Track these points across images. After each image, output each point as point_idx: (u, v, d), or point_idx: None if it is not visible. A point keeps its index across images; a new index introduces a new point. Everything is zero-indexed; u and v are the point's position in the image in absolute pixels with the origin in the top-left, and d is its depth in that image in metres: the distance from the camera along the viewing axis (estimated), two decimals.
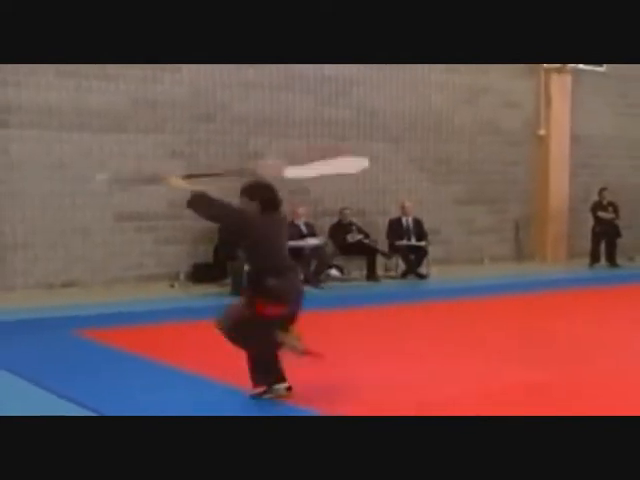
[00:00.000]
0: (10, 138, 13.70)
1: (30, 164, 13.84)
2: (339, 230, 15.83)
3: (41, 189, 13.78)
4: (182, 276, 14.50)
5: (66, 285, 13.77)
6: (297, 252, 14.50)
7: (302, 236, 14.90)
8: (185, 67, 14.82)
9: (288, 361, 6.87)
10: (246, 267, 7.26)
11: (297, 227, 15.04)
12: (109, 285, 13.93)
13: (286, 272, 6.77)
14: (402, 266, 16.22)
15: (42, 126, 13.94)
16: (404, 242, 16.03)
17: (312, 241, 14.81)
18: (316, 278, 14.57)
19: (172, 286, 14.19)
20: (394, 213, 16.59)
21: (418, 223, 16.46)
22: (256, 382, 6.81)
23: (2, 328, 10.43)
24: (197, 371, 7.88)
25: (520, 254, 19.33)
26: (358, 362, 8.41)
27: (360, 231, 15.93)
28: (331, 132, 16.75)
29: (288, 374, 6.84)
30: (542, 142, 19.41)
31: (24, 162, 13.80)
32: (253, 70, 15.51)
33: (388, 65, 16.41)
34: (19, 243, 13.72)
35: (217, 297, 13.27)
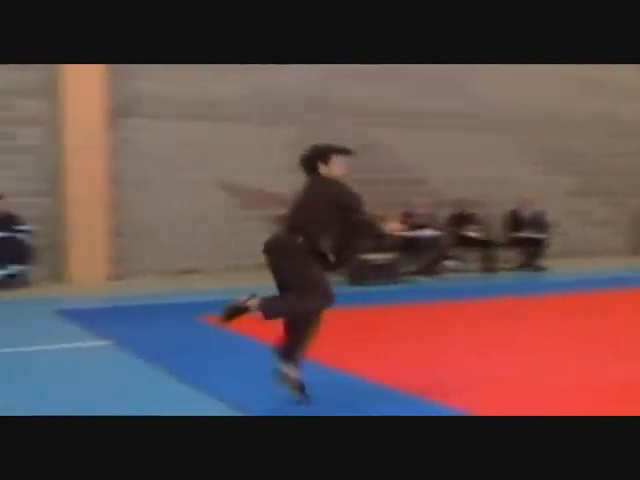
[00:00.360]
0: (139, 128, 14.20)
1: (157, 153, 14.33)
2: (456, 221, 15.87)
3: (167, 177, 14.24)
4: None
5: (189, 272, 14.21)
6: (414, 242, 14.67)
7: (419, 226, 15.01)
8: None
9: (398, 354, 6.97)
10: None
11: (415, 217, 15.16)
12: (231, 272, 14.32)
13: None
14: (520, 258, 16.15)
15: (168, 116, 14.40)
16: (523, 234, 15.94)
17: (429, 232, 14.90)
18: (432, 269, 14.68)
19: None
20: (512, 205, 16.51)
21: (538, 215, 16.33)
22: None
23: (129, 312, 10.89)
24: (316, 358, 8.02)
25: (638, 247, 18.96)
26: (469, 354, 8.49)
27: (477, 222, 15.93)
28: (451, 123, 16.77)
29: (400, 367, 6.93)
30: None
31: (151, 151, 14.30)
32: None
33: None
34: (144, 231, 14.23)
35: (335, 286, 13.49)
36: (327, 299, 6.48)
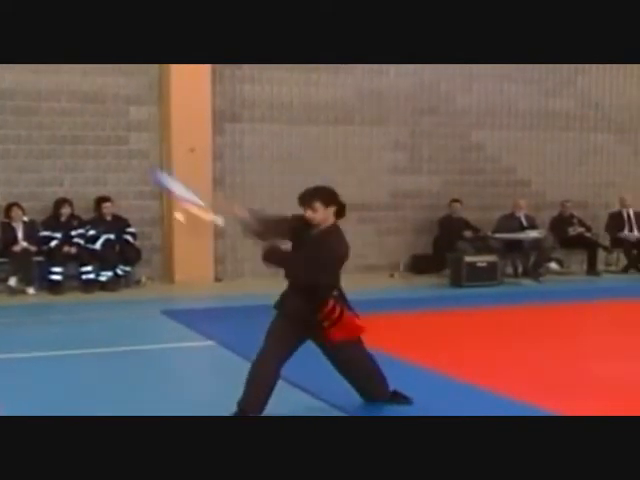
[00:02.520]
0: (244, 131, 14.47)
1: (261, 156, 14.58)
2: (560, 223, 15.70)
3: (270, 180, 14.46)
4: (402, 266, 14.79)
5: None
6: (517, 244, 14.59)
7: (522, 228, 14.91)
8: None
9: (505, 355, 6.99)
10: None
11: (517, 219, 15.08)
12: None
13: None
14: (624, 260, 15.90)
15: (272, 120, 14.64)
16: (625, 234, 15.68)
17: (532, 234, 14.78)
18: (535, 271, 14.57)
19: (392, 276, 14.56)
20: (617, 206, 16.24)
21: None
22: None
23: (233, 313, 11.12)
24: (415, 361, 8.10)
25: None
26: (574, 358, 8.45)
27: (581, 224, 15.74)
28: (555, 123, 16.61)
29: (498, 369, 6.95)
30: None
31: (255, 154, 14.55)
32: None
33: None
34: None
35: (436, 288, 13.55)
36: None
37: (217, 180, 14.21)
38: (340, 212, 6.26)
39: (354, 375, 6.41)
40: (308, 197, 6.20)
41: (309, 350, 6.28)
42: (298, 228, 6.23)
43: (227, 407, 5.92)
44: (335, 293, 6.16)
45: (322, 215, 6.14)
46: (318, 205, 6.13)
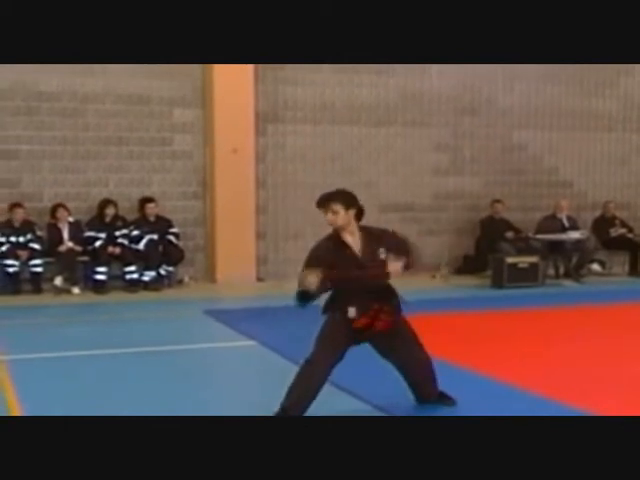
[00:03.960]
0: (286, 133, 14.58)
1: (303, 157, 14.68)
2: (602, 224, 15.63)
3: (313, 181, 14.54)
4: (443, 267, 14.80)
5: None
6: (558, 245, 14.55)
7: (564, 229, 14.87)
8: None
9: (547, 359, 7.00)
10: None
11: (559, 220, 15.03)
12: None
13: None
14: None
15: (314, 121, 14.73)
16: None
17: (574, 235, 14.73)
18: (577, 272, 14.52)
19: (433, 277, 14.57)
20: None
21: None
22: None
23: (274, 313, 11.18)
24: (457, 362, 8.13)
25: None
26: (616, 359, 8.43)
27: (624, 225, 15.65)
28: (597, 124, 16.53)
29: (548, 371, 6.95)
30: None
31: (297, 155, 14.65)
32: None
33: None
34: (291, 233, 14.59)
35: (478, 289, 13.56)
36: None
37: (260, 181, 14.34)
38: (359, 215, 6.23)
39: (407, 367, 6.39)
40: (328, 200, 6.14)
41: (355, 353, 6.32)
42: (326, 255, 6.17)
43: (269, 407, 5.98)
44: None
45: (343, 218, 6.10)
46: (339, 208, 6.08)
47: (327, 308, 6.25)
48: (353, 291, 6.10)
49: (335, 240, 6.22)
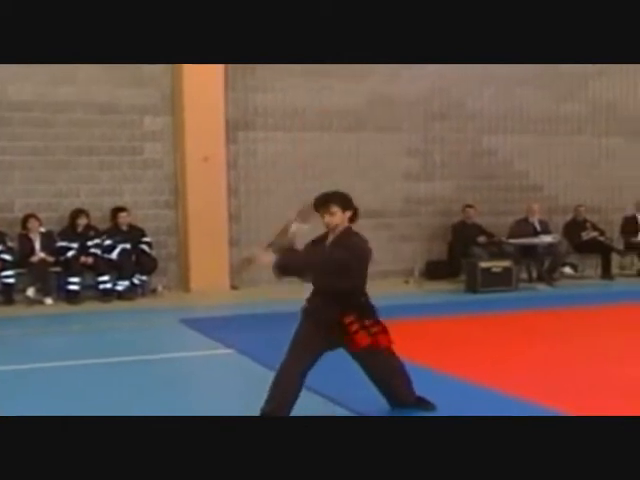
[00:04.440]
0: (257, 139, 14.56)
1: (274, 164, 14.66)
2: (573, 227, 15.73)
3: (285, 188, 14.54)
4: (416, 273, 14.83)
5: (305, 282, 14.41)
6: (531, 249, 14.63)
7: (536, 233, 14.95)
8: (420, 66, 15.06)
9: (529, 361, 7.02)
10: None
11: (531, 224, 15.12)
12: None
13: None
14: (638, 264, 15.92)
15: (285, 127, 14.72)
16: None
17: (546, 238, 14.82)
18: (549, 276, 14.61)
19: (406, 282, 14.59)
20: (630, 210, 16.26)
21: None
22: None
23: (250, 321, 11.26)
24: (428, 365, 8.15)
25: None
26: (590, 360, 8.49)
27: (595, 228, 15.75)
28: (567, 128, 16.64)
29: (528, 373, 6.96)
30: None
31: (269, 162, 14.64)
32: (487, 66, 15.55)
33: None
34: (264, 240, 14.50)
35: (452, 294, 13.60)
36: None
37: (232, 188, 14.30)
38: (354, 217, 6.26)
39: (381, 379, 6.42)
40: (325, 201, 6.18)
41: (331, 356, 6.33)
42: (313, 244, 6.30)
43: (250, 413, 5.96)
44: (362, 299, 6.20)
45: (339, 219, 6.13)
46: (336, 209, 6.12)
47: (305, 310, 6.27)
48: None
49: (320, 236, 6.31)
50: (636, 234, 15.80)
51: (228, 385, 8.24)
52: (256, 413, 5.98)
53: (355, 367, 6.44)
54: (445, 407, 6.46)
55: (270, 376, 6.22)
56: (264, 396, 6.05)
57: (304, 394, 6.16)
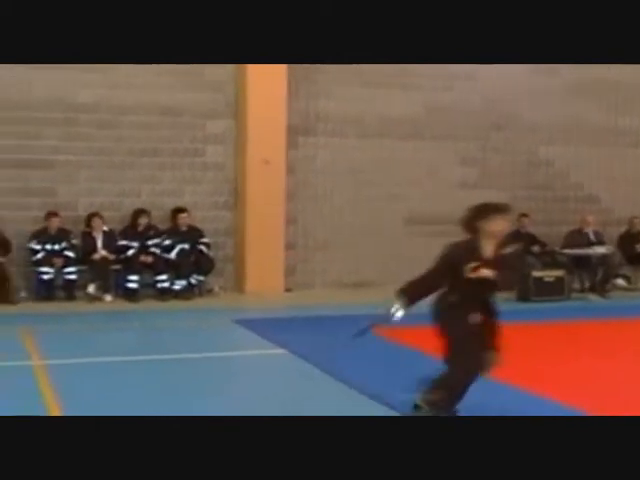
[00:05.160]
0: (317, 145, 14.79)
1: (333, 170, 14.87)
2: (628, 239, 15.69)
3: (341, 193, 14.75)
4: None
5: (359, 285, 14.67)
6: (584, 260, 14.66)
7: (590, 244, 14.97)
8: (478, 75, 15.19)
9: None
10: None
11: (586, 235, 15.14)
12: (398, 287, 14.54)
13: None
14: None
15: (343, 134, 14.93)
16: None
17: (599, 249, 14.84)
18: (602, 287, 14.62)
19: None
20: None
21: None
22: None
23: (303, 322, 11.45)
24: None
25: None
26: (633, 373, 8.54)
27: None
28: (624, 140, 16.62)
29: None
30: None
31: (328, 168, 14.85)
32: (544, 77, 15.63)
33: None
34: (318, 245, 14.79)
35: (503, 302, 13.56)
36: (473, 371, 6.45)
37: (290, 192, 14.53)
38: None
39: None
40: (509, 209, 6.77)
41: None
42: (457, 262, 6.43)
43: (299, 412, 6.14)
44: None
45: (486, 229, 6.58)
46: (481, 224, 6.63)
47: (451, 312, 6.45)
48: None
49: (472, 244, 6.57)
50: None
51: (281, 383, 8.41)
52: (302, 412, 6.15)
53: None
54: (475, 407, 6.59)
55: (322, 376, 6.38)
56: (314, 395, 6.21)
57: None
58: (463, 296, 6.41)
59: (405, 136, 15.29)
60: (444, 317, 6.47)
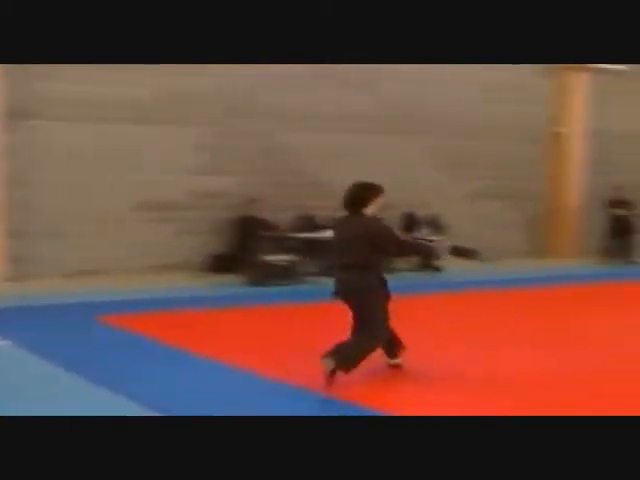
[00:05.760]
0: (39, 129, 14.12)
1: (59, 155, 14.27)
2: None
3: (69, 180, 14.23)
4: (200, 266, 14.79)
5: (89, 273, 14.28)
6: (314, 244, 14.91)
7: (320, 228, 15.20)
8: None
9: None
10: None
11: (314, 219, 15.42)
12: (130, 274, 14.32)
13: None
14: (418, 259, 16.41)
15: (72, 117, 14.28)
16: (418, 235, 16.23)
17: (328, 234, 15.07)
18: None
19: (190, 275, 14.50)
20: (410, 207, 16.83)
21: (434, 217, 16.73)
22: None
23: (28, 313, 10.97)
24: (212, 356, 8.25)
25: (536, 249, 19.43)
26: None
27: None
28: (357, 125, 16.99)
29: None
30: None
31: (53, 153, 14.20)
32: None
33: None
34: (46, 233, 14.13)
35: (234, 287, 13.65)
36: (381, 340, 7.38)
37: (10, 178, 13.76)
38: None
39: None
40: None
41: None
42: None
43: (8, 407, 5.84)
44: None
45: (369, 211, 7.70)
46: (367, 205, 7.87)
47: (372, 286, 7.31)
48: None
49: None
50: (413, 230, 16.30)
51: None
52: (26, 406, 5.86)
53: None
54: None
55: (50, 370, 6.10)
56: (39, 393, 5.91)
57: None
58: (382, 270, 7.46)
59: (139, 120, 14.85)
60: (372, 289, 7.27)
